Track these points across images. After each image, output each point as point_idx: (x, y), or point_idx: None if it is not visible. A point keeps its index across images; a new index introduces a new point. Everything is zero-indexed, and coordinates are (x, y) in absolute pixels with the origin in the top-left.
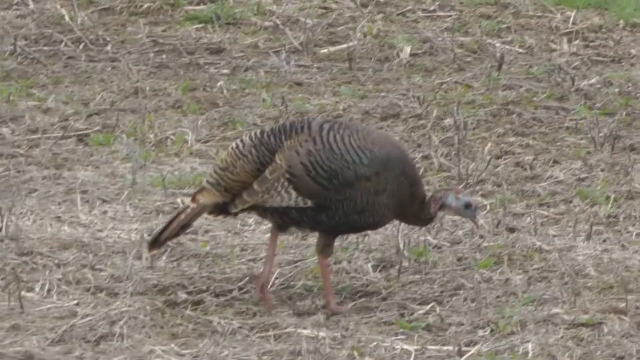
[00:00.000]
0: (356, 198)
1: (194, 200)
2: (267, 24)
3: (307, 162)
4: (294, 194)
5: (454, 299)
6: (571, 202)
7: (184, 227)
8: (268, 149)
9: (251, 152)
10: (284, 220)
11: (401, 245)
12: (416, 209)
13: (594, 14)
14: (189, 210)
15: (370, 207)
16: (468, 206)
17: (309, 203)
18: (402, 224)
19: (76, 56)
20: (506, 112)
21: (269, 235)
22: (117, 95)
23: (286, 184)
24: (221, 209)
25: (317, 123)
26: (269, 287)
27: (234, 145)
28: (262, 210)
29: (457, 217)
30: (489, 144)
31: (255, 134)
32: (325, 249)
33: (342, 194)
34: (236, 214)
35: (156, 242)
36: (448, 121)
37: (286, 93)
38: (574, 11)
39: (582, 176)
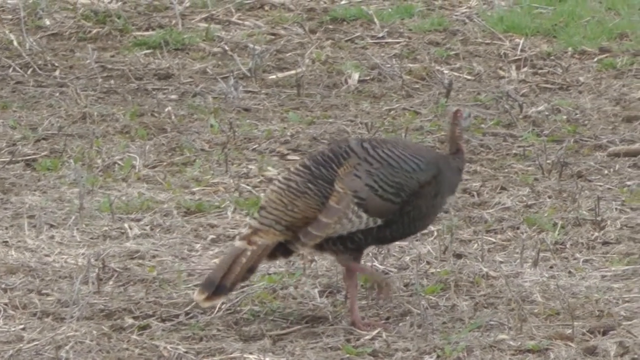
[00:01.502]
0: (421, 205)
1: (249, 242)
2: (215, 49)
3: (371, 182)
4: (364, 216)
5: (400, 324)
6: (518, 228)
7: (250, 271)
8: (325, 181)
9: (310, 188)
10: (345, 246)
11: None
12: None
13: (542, 41)
14: (248, 253)
15: (431, 210)
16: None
17: (379, 221)
18: None
19: (24, 81)
20: None
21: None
22: (65, 120)
23: (356, 208)
24: (282, 250)
25: (356, 144)
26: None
27: (280, 185)
28: (324, 242)
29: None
30: None
31: (298, 170)
32: (348, 261)
33: (411, 204)
34: (300, 253)
35: (222, 289)
36: None
37: (234, 119)
38: (522, 38)
39: (530, 202)
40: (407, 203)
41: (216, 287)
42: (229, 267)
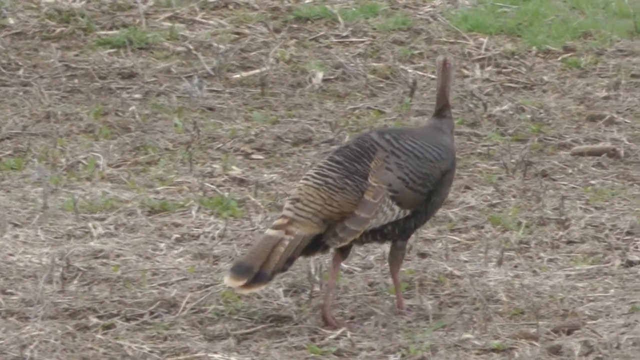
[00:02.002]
0: (442, 192)
1: (287, 232)
2: (179, 48)
3: (402, 175)
4: (397, 208)
5: (365, 323)
6: (482, 227)
7: (289, 261)
8: (361, 176)
9: (347, 184)
10: (375, 239)
11: (312, 270)
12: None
13: (507, 40)
14: (286, 242)
15: (448, 195)
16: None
17: (407, 212)
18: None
19: None
20: None
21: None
22: (29, 120)
23: (390, 201)
24: (314, 245)
25: (378, 137)
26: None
27: (317, 181)
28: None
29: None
30: None
31: (331, 166)
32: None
33: (435, 193)
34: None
35: (262, 277)
36: None
37: (198, 118)
38: (486, 37)
39: (494, 202)
40: (432, 192)
41: (255, 275)
42: (268, 255)
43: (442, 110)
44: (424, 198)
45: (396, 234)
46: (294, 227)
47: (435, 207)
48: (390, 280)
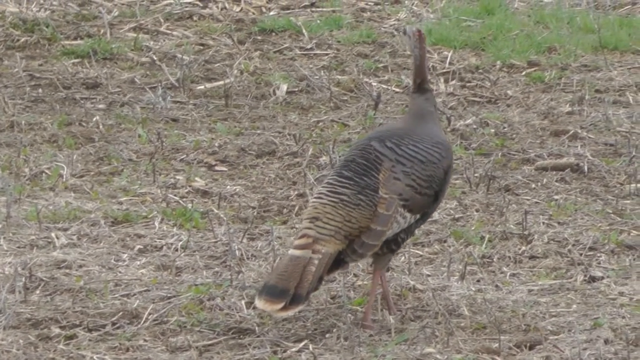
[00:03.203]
0: (445, 189)
1: (313, 251)
2: (143, 59)
3: (410, 182)
4: (408, 215)
5: (327, 336)
6: (445, 241)
7: (320, 280)
8: (372, 190)
9: (361, 200)
10: (389, 248)
11: None
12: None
13: (471, 54)
14: (316, 262)
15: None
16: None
17: (417, 216)
18: (275, 262)
19: None
20: None
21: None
22: None
23: (402, 210)
24: (335, 262)
25: (380, 145)
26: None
27: (332, 199)
28: None
29: None
30: None
31: (342, 182)
32: (388, 263)
33: (441, 191)
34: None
35: (299, 299)
36: (323, 159)
37: (162, 129)
38: (450, 51)
39: (457, 216)
40: (438, 192)
41: (292, 297)
42: (301, 276)
43: (421, 83)
44: (431, 200)
45: (405, 239)
46: (320, 245)
47: (440, 202)
48: (353, 293)
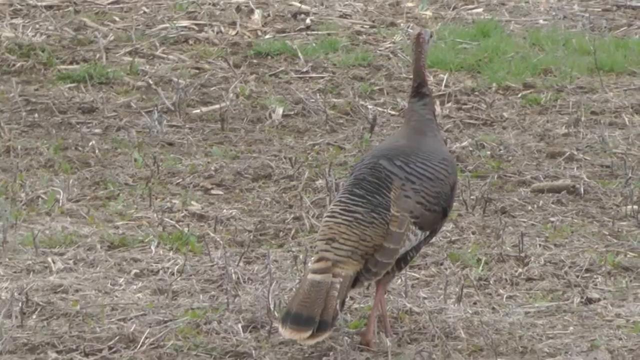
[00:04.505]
0: (452, 203)
1: (334, 275)
2: (139, 83)
3: (420, 199)
4: (419, 232)
5: (324, 359)
6: (442, 264)
7: (343, 303)
8: (385, 208)
9: (375, 217)
10: (399, 266)
11: (271, 306)
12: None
13: (467, 77)
14: (337, 286)
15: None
16: (430, 37)
17: (427, 233)
18: (273, 286)
19: None
20: None
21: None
22: None
23: (413, 226)
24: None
25: (389, 163)
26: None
27: (347, 218)
28: None
29: None
30: None
31: (355, 201)
32: (392, 280)
33: (448, 206)
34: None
35: (325, 325)
36: (320, 182)
37: (158, 153)
38: (446, 73)
39: (453, 238)
40: (446, 208)
41: (319, 324)
42: (324, 302)
43: (419, 87)
44: (440, 216)
45: (413, 255)
46: (339, 268)
47: (446, 220)
48: (349, 316)
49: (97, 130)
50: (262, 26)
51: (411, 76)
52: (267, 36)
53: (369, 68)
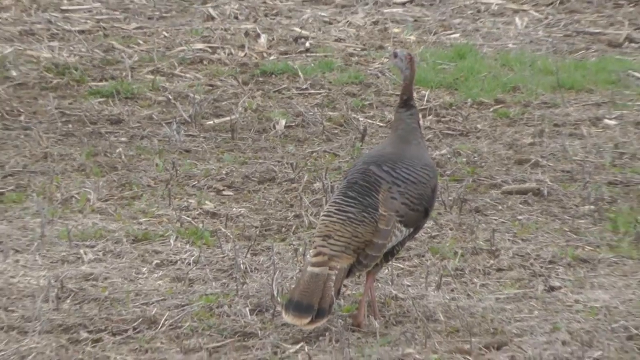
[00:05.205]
0: (433, 203)
1: (330, 268)
2: (160, 98)
3: (405, 201)
4: (404, 229)
5: (321, 339)
6: (424, 256)
7: (338, 293)
8: (374, 208)
9: (365, 217)
10: (387, 260)
11: (275, 292)
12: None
13: (446, 93)
14: (334, 277)
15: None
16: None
17: (411, 230)
18: (276, 275)
19: None
20: None
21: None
22: (29, 159)
23: (398, 224)
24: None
25: (378, 169)
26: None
27: (340, 217)
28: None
29: None
30: None
31: (349, 202)
32: (380, 270)
33: (430, 207)
34: (361, 273)
35: (323, 312)
36: (317, 185)
37: (176, 159)
38: (427, 90)
39: (434, 234)
40: (428, 208)
41: (318, 311)
42: (322, 292)
43: (408, 100)
44: (422, 215)
45: (399, 250)
46: (335, 262)
47: (428, 219)
48: (343, 302)
49: (123, 139)
50: (268, 49)
51: (398, 93)
52: (271, 58)
53: (360, 86)
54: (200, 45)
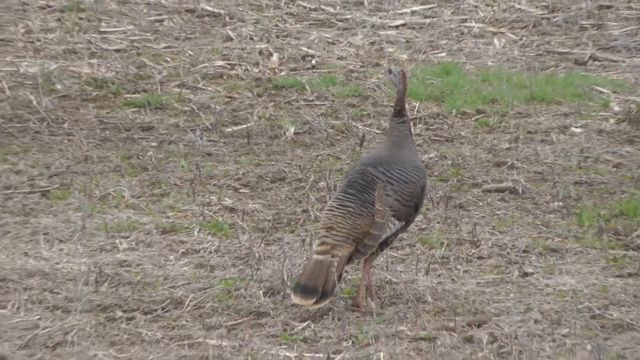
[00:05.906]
0: (423, 200)
1: (332, 255)
2: (185, 108)
3: (398, 197)
4: (397, 222)
5: (325, 317)
6: (414, 246)
7: (339, 277)
8: (371, 204)
9: (363, 211)
10: (381, 249)
11: (285, 277)
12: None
13: (433, 104)
14: (335, 264)
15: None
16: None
17: (402, 223)
18: (286, 262)
19: (40, 131)
20: None
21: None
22: (71, 161)
23: (392, 218)
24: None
25: (374, 170)
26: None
27: (342, 211)
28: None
29: None
30: None
31: (348, 198)
32: (375, 259)
33: (420, 203)
34: (359, 260)
35: (326, 294)
36: (322, 184)
37: (199, 161)
38: (417, 102)
39: (423, 226)
40: (417, 204)
41: (321, 293)
42: (325, 276)
43: (400, 110)
44: (413, 210)
45: (392, 241)
46: (337, 250)
47: (418, 213)
48: (344, 285)
49: (153, 144)
50: (279, 65)
51: (392, 104)
52: (282, 73)
53: (359, 97)
54: (220, 62)
